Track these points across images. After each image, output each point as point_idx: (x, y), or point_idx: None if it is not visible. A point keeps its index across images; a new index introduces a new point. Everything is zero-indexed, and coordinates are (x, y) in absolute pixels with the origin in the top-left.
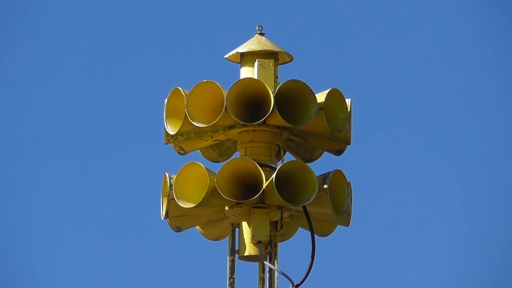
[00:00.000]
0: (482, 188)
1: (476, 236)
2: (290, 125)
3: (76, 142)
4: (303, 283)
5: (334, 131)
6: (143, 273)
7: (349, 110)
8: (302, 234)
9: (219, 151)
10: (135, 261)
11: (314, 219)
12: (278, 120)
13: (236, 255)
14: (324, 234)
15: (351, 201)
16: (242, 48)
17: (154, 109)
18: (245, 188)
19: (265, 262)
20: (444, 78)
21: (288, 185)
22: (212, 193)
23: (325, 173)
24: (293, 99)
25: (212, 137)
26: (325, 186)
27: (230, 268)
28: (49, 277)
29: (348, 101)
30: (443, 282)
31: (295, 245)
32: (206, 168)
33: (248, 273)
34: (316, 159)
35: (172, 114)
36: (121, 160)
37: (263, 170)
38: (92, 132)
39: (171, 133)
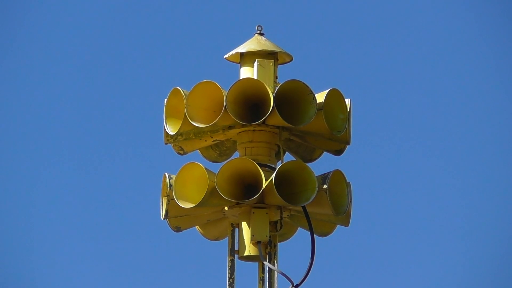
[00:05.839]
0: (482, 188)
1: (476, 236)
2: (289, 125)
3: (75, 142)
4: (303, 283)
5: (334, 131)
6: (143, 273)
7: (348, 110)
8: (301, 234)
9: (219, 151)
10: (135, 261)
11: (314, 219)
12: (277, 120)
13: (236, 255)
14: (323, 234)
15: (350, 201)
16: (241, 48)
17: (154, 109)
18: (245, 188)
19: (264, 262)
20: (444, 78)
21: (288, 185)
22: (212, 193)
23: (325, 173)
24: (293, 99)
25: (211, 137)
26: (325, 186)
27: (229, 268)
28: (49, 277)
29: (347, 101)
30: (443, 282)
31: (295, 245)
32: (206, 168)
33: (248, 273)
34: (315, 159)
35: (171, 114)
36: (121, 160)
37: (262, 170)
38: (92, 132)
39: (171, 133)
